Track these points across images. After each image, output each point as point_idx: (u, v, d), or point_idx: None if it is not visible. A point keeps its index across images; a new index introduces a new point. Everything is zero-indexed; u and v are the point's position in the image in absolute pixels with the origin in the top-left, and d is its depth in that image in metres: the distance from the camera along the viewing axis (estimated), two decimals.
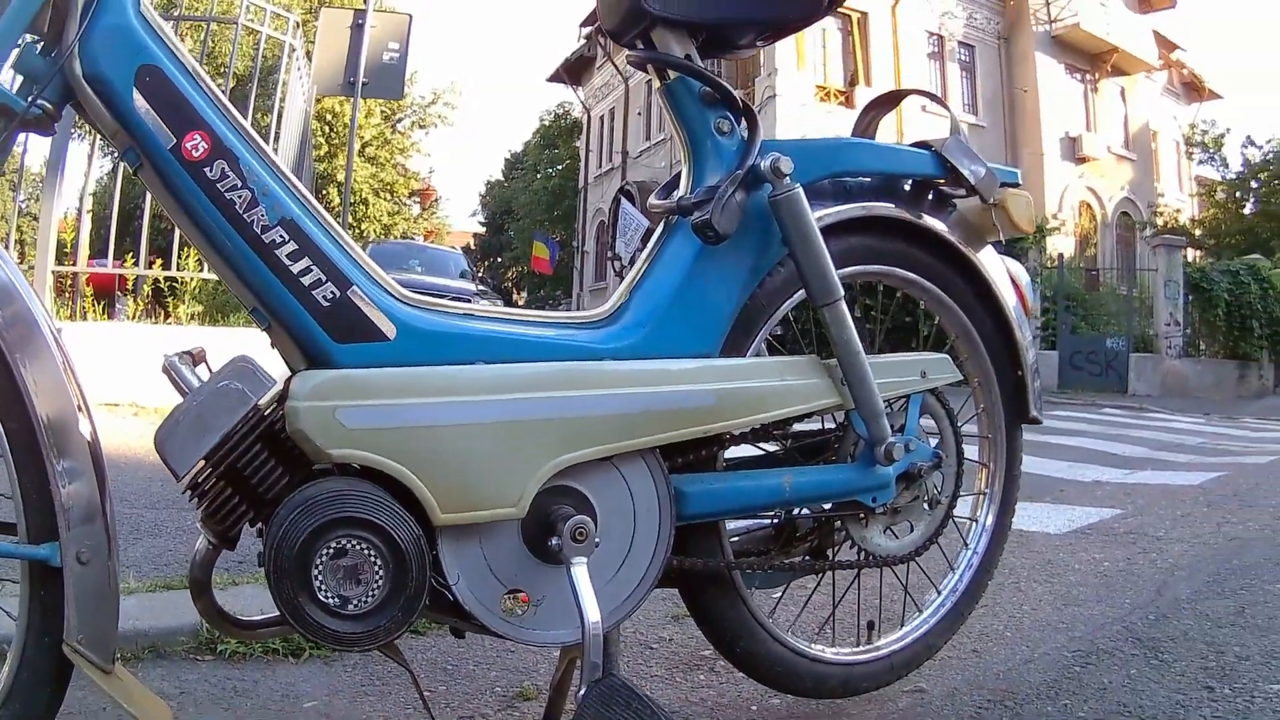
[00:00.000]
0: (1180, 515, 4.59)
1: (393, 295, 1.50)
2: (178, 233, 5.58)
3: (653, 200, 1.84)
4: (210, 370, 1.49)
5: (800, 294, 1.82)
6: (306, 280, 1.43)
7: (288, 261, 1.42)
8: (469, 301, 16.44)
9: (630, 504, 1.62)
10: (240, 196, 1.40)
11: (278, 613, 1.39)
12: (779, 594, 2.24)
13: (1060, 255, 20.04)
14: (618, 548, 1.61)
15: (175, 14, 7.92)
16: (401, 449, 1.42)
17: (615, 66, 32.21)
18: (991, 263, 2.08)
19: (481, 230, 55.47)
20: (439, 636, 2.50)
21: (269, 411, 1.43)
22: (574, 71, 38.25)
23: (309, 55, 9.33)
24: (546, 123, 47.06)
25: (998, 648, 2.58)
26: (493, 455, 1.48)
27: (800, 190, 1.69)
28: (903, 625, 2.13)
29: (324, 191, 30.17)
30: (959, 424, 2.07)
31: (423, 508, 1.43)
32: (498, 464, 1.48)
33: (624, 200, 25.58)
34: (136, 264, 7.32)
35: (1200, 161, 32.24)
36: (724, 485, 1.77)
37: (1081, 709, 2.08)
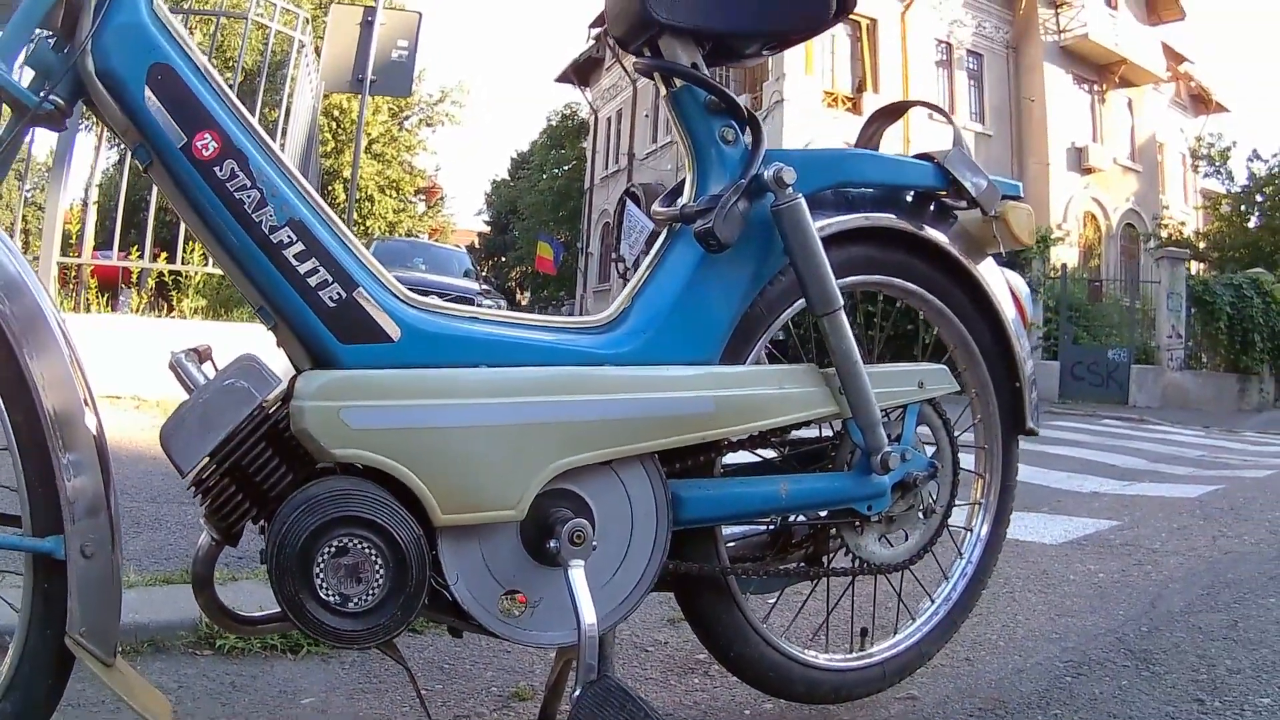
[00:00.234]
0: (1176, 528, 4.60)
1: (398, 297, 1.52)
2: (183, 226, 5.58)
3: (656, 207, 1.85)
4: (216, 368, 1.50)
5: (800, 303, 1.83)
6: (313, 281, 1.44)
7: (295, 262, 1.44)
8: (473, 301, 16.48)
9: (628, 508, 1.63)
10: (249, 196, 1.42)
11: (278, 609, 1.41)
12: (774, 599, 2.25)
13: (1064, 265, 19.99)
14: (615, 551, 1.63)
15: (185, 7, 7.90)
16: (404, 450, 1.44)
17: (624, 68, 32.24)
18: (991, 274, 2.09)
19: (486, 229, 55.44)
20: (436, 635, 2.51)
21: (274, 410, 1.45)
22: (582, 72, 38.28)
23: (318, 51, 9.35)
24: (554, 123, 47.03)
25: (990, 656, 2.59)
26: (493, 458, 1.50)
27: (802, 201, 1.70)
28: (896, 633, 2.14)
29: (330, 188, 30.22)
30: (956, 434, 2.09)
31: (423, 508, 1.45)
32: (498, 466, 1.50)
33: (629, 202, 25.50)
34: (141, 256, 7.33)
35: (1206, 174, 32.14)
36: (721, 491, 1.79)
37: (1072, 719, 2.09)
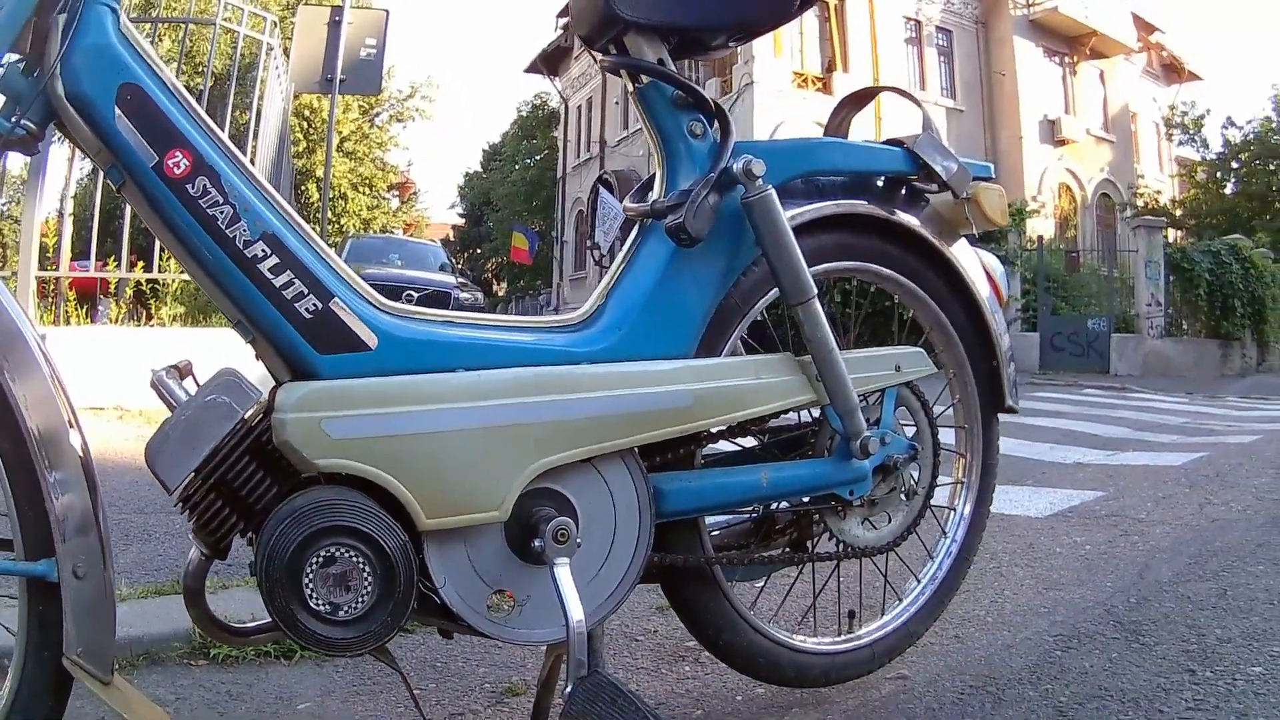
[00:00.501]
0: (1162, 497, 4.63)
1: (373, 305, 1.53)
2: None
3: (627, 203, 1.87)
4: (197, 383, 1.51)
5: (774, 293, 1.85)
6: (289, 293, 1.45)
7: (270, 275, 1.44)
8: (450, 294, 16.42)
9: (610, 504, 1.65)
10: (222, 212, 1.42)
11: (269, 619, 1.42)
12: (760, 585, 2.27)
13: (1040, 237, 20.03)
14: (599, 547, 1.64)
15: (153, 15, 7.87)
16: (386, 457, 1.45)
17: (593, 57, 32.13)
18: (965, 256, 2.11)
19: (460, 222, 55.27)
20: (427, 634, 2.51)
21: (256, 423, 1.45)
22: (551, 62, 38.16)
23: (286, 53, 9.32)
24: (524, 113, 46.88)
25: (979, 633, 2.61)
26: (475, 461, 1.51)
27: (772, 192, 1.72)
28: (883, 614, 2.16)
29: (303, 187, 30.04)
30: (934, 415, 2.11)
31: (408, 514, 1.46)
32: (480, 469, 1.51)
33: (602, 189, 25.59)
34: (118, 266, 7.31)
35: (1180, 143, 32.31)
36: (702, 482, 1.80)
37: (1063, 693, 2.10)
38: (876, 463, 1.94)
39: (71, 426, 1.38)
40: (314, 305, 1.46)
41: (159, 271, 7.24)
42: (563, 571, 1.51)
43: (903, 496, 2.03)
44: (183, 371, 1.56)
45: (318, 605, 1.39)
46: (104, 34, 1.39)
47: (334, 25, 8.92)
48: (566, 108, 38.99)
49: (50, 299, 7.17)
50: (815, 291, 1.78)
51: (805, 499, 1.97)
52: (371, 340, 1.49)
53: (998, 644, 2.49)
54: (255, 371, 1.54)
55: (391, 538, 1.43)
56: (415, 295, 15.46)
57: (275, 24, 8.15)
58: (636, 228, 1.83)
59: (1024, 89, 28.06)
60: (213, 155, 1.43)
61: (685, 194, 1.69)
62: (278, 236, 1.45)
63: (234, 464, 1.43)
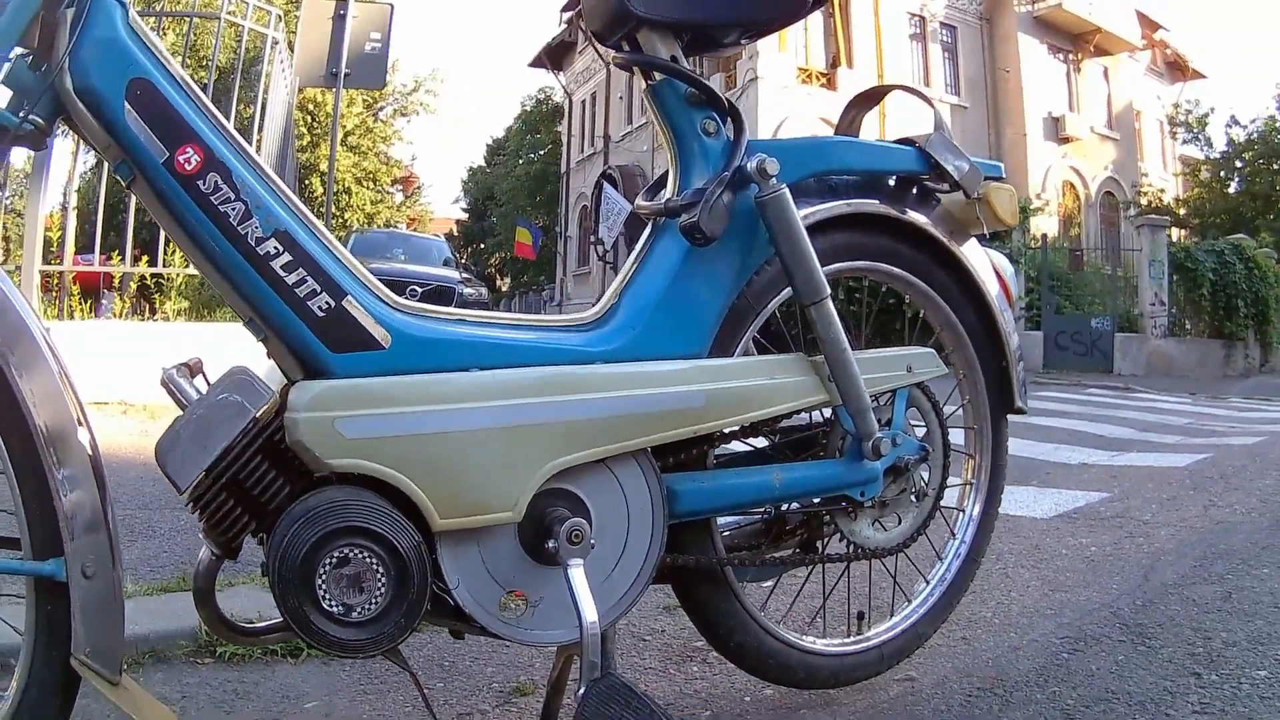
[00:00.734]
0: (1167, 498, 4.62)
1: (386, 302, 1.51)
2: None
3: (640, 202, 1.86)
4: (208, 381, 1.50)
5: (786, 292, 1.84)
6: (302, 291, 1.44)
7: (282, 273, 1.43)
8: (454, 289, 16.41)
9: (624, 505, 1.64)
10: (234, 209, 1.41)
11: (279, 618, 1.41)
12: (770, 586, 2.26)
13: (1044, 235, 19.98)
14: (612, 548, 1.64)
15: (158, 8, 7.85)
16: (399, 457, 1.44)
17: (597, 51, 32.05)
18: (975, 256, 2.10)
19: (464, 217, 55.18)
20: (435, 633, 2.51)
21: (267, 422, 1.44)
22: (555, 56, 38.11)
23: (291, 47, 9.30)
24: (528, 108, 46.86)
25: (986, 635, 2.60)
26: (488, 461, 1.50)
27: (786, 191, 1.71)
28: (892, 615, 2.16)
29: (307, 181, 30.09)
30: (945, 416, 2.10)
31: (421, 514, 1.45)
32: (493, 469, 1.50)
33: (606, 185, 25.57)
34: (122, 260, 7.31)
35: (1184, 141, 32.20)
36: (715, 483, 1.79)
37: (1070, 696, 2.10)
38: (888, 464, 1.93)
39: (80, 423, 1.37)
40: (327, 303, 1.45)
41: (163, 266, 7.24)
42: (577, 573, 1.50)
43: (913, 498, 2.02)
44: (193, 369, 1.55)
45: (331, 606, 1.38)
46: (113, 27, 1.38)
47: (339, 19, 8.90)
48: (570, 102, 38.94)
49: (54, 293, 7.17)
50: (829, 291, 1.77)
51: (816, 500, 1.96)
52: (385, 339, 1.48)
53: (1005, 646, 2.49)
54: (265, 369, 1.53)
55: (406, 538, 1.42)
56: (419, 290, 15.46)
57: (280, 18, 8.11)
58: (649, 226, 1.82)
59: (1028, 86, 27.99)
60: (224, 151, 1.42)
61: (699, 193, 1.68)
62: (290, 233, 1.44)
63: (246, 463, 1.42)
